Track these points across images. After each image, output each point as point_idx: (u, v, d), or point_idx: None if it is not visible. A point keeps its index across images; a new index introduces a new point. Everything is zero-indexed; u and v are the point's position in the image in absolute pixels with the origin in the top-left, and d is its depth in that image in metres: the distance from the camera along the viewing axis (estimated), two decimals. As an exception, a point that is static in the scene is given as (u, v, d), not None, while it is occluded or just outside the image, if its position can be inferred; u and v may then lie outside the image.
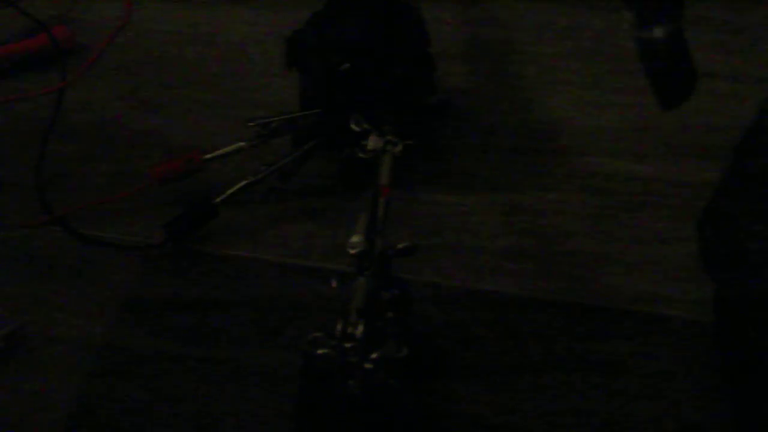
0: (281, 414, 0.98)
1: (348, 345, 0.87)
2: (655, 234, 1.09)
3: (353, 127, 0.99)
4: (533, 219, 1.10)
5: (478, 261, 1.08)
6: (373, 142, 0.98)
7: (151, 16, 1.28)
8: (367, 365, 0.87)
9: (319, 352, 0.87)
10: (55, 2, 1.29)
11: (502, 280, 1.06)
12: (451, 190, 1.13)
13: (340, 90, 1.10)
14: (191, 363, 1.02)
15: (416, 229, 1.09)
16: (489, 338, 1.03)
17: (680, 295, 1.05)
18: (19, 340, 1.02)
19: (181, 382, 1.00)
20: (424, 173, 1.14)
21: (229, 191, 1.10)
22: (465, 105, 1.19)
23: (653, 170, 1.14)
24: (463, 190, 1.13)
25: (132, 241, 1.10)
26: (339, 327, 0.87)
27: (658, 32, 0.96)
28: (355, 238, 0.89)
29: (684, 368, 1.01)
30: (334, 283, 0.89)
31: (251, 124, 1.11)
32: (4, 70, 1.23)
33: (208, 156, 1.11)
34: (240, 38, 1.26)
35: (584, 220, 1.10)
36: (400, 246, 0.92)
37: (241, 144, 1.11)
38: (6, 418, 0.98)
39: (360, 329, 0.87)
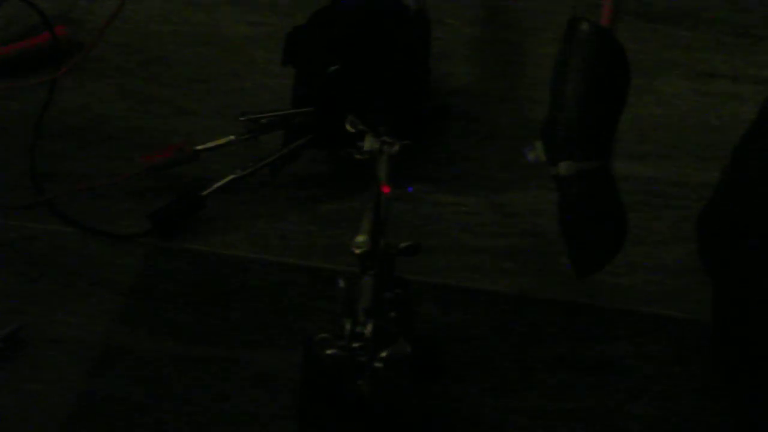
0: (282, 414, 0.98)
1: (356, 345, 0.87)
2: (655, 234, 1.09)
3: (348, 128, 0.99)
4: (533, 219, 1.10)
5: (478, 261, 1.08)
6: (369, 143, 0.98)
7: (151, 16, 1.28)
8: (377, 364, 0.87)
9: (328, 352, 0.87)
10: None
11: (502, 280, 1.06)
12: (451, 190, 1.13)
13: (330, 90, 1.10)
14: (191, 363, 1.02)
15: (416, 229, 1.09)
16: (489, 338, 1.03)
17: (680, 295, 1.05)
18: (19, 340, 1.02)
19: (182, 381, 1.00)
20: (424, 173, 1.14)
21: (216, 185, 1.10)
22: (465, 105, 1.19)
23: (653, 170, 1.14)
24: (463, 190, 1.13)
25: (115, 230, 1.10)
26: (347, 327, 0.87)
27: (564, 169, 0.87)
28: (359, 238, 0.90)
29: (684, 368, 1.01)
30: (341, 283, 0.90)
31: (242, 118, 1.12)
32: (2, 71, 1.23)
33: (200, 147, 1.12)
34: (240, 38, 1.26)
35: (584, 220, 1.10)
36: (402, 245, 0.92)
37: (231, 137, 1.12)
38: (6, 418, 0.98)
39: (369, 329, 0.87)
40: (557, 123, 0.87)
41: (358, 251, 0.90)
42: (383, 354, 0.87)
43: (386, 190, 0.94)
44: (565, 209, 0.88)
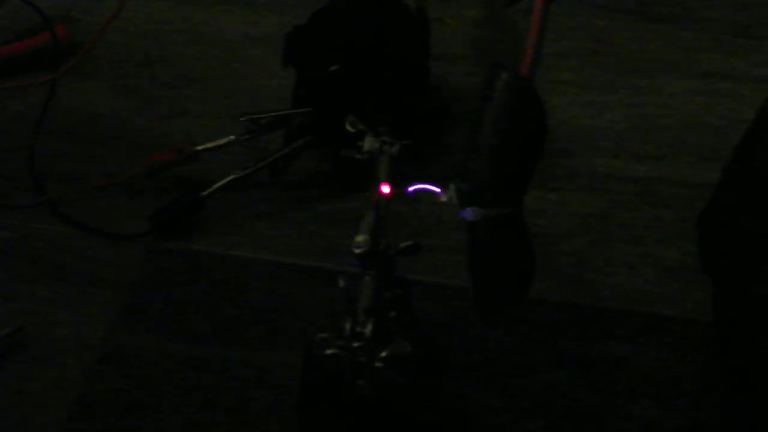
0: (282, 414, 0.98)
1: (356, 344, 0.87)
2: (655, 234, 1.09)
3: (348, 128, 1.00)
4: (533, 219, 1.10)
5: (478, 261, 1.07)
6: (369, 143, 0.98)
7: (151, 16, 1.28)
8: (377, 364, 0.87)
9: (328, 352, 0.87)
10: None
11: (502, 280, 1.06)
12: (451, 190, 1.13)
13: (330, 90, 1.11)
14: (191, 363, 1.02)
15: (416, 229, 1.09)
16: (489, 338, 1.03)
17: (680, 295, 1.05)
18: (19, 340, 1.02)
19: (181, 382, 1.00)
20: (423, 173, 1.14)
21: (216, 185, 1.11)
22: (465, 105, 1.19)
23: (653, 170, 1.14)
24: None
25: (115, 230, 1.10)
26: (347, 327, 0.87)
27: (471, 215, 0.87)
28: (359, 238, 0.90)
29: (684, 368, 1.01)
30: (341, 283, 0.90)
31: (243, 119, 1.12)
32: (2, 70, 1.23)
33: (200, 147, 1.12)
34: (240, 38, 1.26)
35: (584, 220, 1.10)
36: (402, 245, 0.92)
37: (231, 138, 1.12)
38: (6, 418, 0.98)
39: (369, 328, 0.87)
40: (469, 168, 0.88)
41: (358, 251, 0.90)
42: (383, 354, 0.87)
43: (386, 190, 0.94)
44: (471, 253, 0.89)
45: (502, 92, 0.87)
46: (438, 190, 0.92)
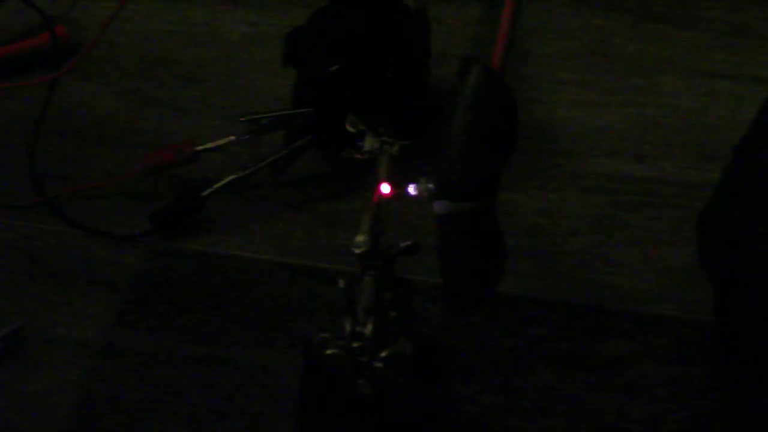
0: (281, 414, 0.98)
1: (356, 344, 0.87)
2: (655, 234, 1.09)
3: (348, 128, 1.00)
4: (533, 219, 1.10)
5: (478, 261, 1.07)
6: (369, 143, 0.98)
7: (151, 16, 1.28)
8: (378, 364, 0.87)
9: (328, 352, 0.87)
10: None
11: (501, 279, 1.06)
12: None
13: (330, 90, 1.11)
14: (191, 363, 1.02)
15: (416, 229, 1.09)
16: (489, 338, 1.03)
17: (680, 295, 1.05)
18: (19, 340, 1.02)
19: (181, 382, 1.00)
20: (423, 173, 1.14)
21: (216, 185, 1.11)
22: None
23: (653, 170, 1.14)
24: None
25: (115, 230, 1.10)
26: (347, 327, 0.88)
27: (438, 208, 0.86)
28: (359, 238, 0.90)
29: (684, 368, 1.01)
30: (341, 283, 0.90)
31: (243, 119, 1.12)
32: (2, 70, 1.23)
33: (200, 147, 1.12)
34: (240, 38, 1.26)
35: (584, 220, 1.10)
36: (402, 245, 0.92)
37: (231, 138, 1.12)
38: (6, 418, 0.98)
39: (369, 328, 0.87)
40: (439, 161, 0.88)
41: (358, 251, 0.90)
42: (383, 354, 0.88)
43: (386, 190, 0.94)
44: (440, 247, 0.89)
45: (473, 85, 0.87)
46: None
